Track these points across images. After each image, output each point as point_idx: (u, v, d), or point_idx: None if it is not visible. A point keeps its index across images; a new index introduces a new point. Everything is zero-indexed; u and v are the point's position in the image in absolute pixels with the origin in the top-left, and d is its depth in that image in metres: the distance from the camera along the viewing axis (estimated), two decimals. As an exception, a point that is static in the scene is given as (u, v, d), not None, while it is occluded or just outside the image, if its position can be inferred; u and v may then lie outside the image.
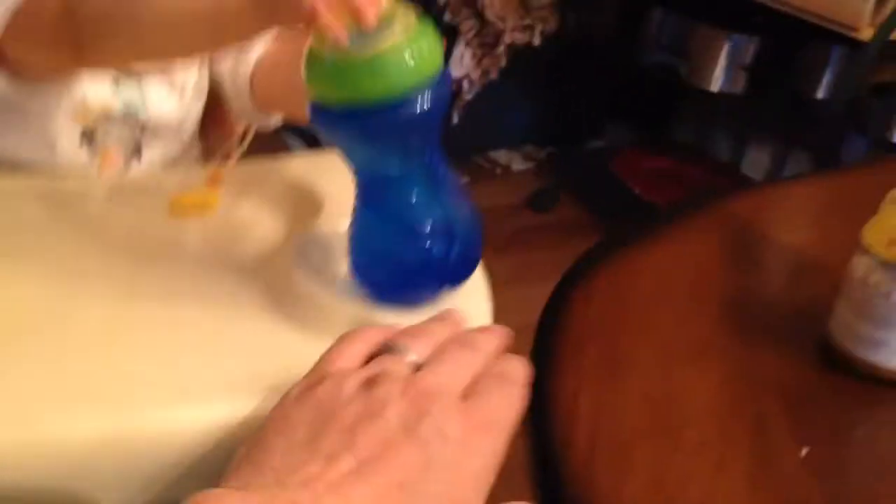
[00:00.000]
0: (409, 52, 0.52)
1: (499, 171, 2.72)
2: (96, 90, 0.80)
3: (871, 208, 0.62)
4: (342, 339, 0.50)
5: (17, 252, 0.65)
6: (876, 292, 0.61)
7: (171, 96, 0.84)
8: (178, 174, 0.78)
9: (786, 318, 0.68)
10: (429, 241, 0.59)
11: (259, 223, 0.72)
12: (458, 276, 0.62)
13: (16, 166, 0.80)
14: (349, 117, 0.54)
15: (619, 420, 0.57)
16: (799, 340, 0.66)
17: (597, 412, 0.58)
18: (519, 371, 0.49)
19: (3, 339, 0.56)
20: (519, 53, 2.57)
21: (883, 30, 1.81)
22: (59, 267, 0.64)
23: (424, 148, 0.58)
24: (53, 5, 0.68)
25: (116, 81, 0.81)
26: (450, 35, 2.50)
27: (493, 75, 2.58)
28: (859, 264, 0.62)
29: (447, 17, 2.45)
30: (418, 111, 0.54)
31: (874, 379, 0.63)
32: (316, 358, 0.48)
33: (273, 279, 0.64)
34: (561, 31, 2.61)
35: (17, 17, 0.69)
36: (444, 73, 0.55)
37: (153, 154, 0.84)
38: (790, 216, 0.85)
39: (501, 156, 2.79)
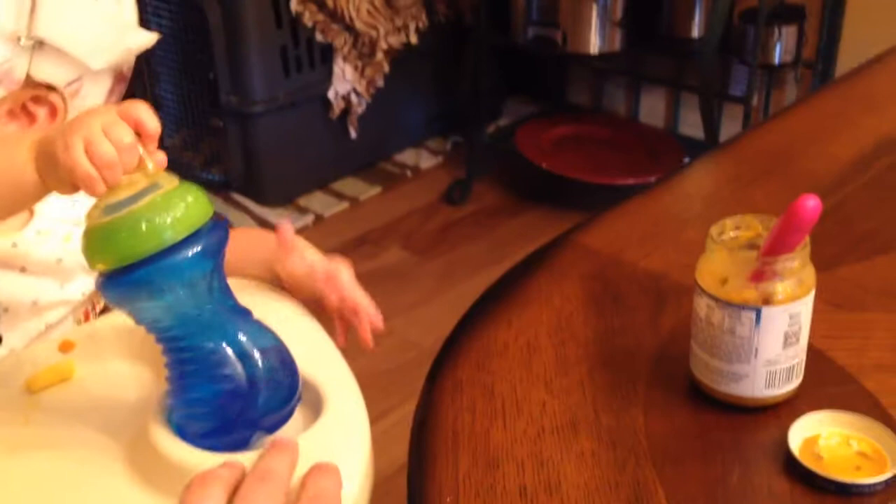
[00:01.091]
0: (144, 221, 0.58)
1: (409, 172, 2.71)
2: None
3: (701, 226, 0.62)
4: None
5: None
6: (720, 330, 0.62)
7: (16, 275, 0.81)
8: (33, 348, 0.77)
9: (652, 362, 0.69)
10: (234, 380, 0.61)
11: (121, 381, 0.72)
12: (275, 405, 0.63)
13: None
14: (113, 280, 0.59)
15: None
16: (667, 384, 0.67)
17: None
18: (331, 489, 0.51)
19: None
20: (399, 55, 2.56)
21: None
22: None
23: (200, 298, 0.61)
24: None
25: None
26: (326, 53, 2.47)
27: (380, 83, 2.56)
28: (700, 304, 0.63)
29: (318, 37, 2.43)
30: (194, 260, 0.59)
31: (743, 410, 0.64)
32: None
33: (139, 445, 0.64)
34: (433, 22, 2.60)
35: None
36: (216, 226, 0.60)
37: (14, 339, 0.82)
38: (646, 239, 0.85)
39: (408, 157, 2.78)
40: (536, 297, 0.77)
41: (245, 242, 0.84)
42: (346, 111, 2.56)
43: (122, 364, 0.74)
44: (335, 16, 2.43)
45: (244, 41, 2.36)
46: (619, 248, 0.83)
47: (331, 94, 2.50)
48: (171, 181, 0.60)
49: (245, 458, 0.59)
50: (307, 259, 0.82)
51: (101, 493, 0.62)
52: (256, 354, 0.62)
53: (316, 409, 0.66)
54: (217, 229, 0.61)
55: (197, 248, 0.59)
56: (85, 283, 0.85)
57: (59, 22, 0.78)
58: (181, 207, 0.59)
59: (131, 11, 0.85)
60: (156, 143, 0.62)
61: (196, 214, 0.59)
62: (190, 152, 2.59)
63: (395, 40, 2.54)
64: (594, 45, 2.31)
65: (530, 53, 2.54)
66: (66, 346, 0.74)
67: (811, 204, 0.59)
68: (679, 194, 0.97)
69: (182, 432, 0.63)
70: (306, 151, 2.55)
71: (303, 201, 2.55)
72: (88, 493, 0.63)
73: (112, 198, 0.59)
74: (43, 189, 0.64)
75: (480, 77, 2.53)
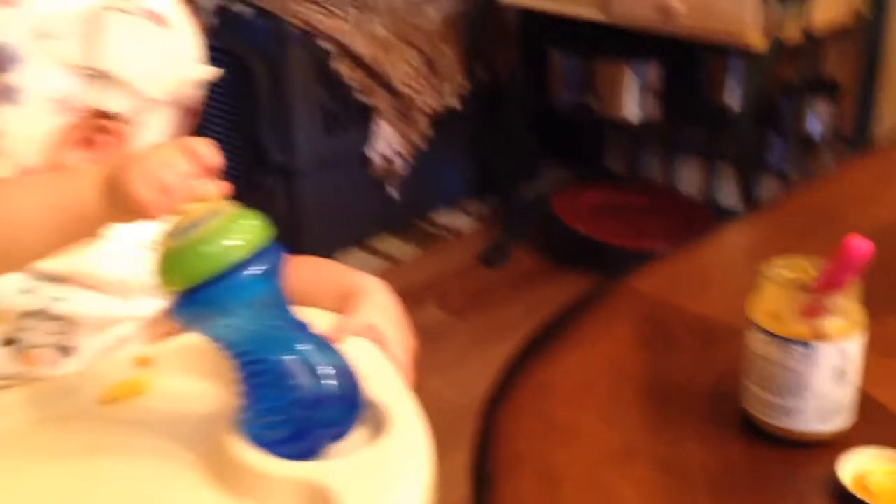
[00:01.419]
0: (208, 244, 0.62)
1: (446, 233, 2.76)
2: (11, 294, 0.82)
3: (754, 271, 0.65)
4: None
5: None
6: (773, 364, 0.65)
7: (85, 292, 0.86)
8: (110, 363, 0.81)
9: (704, 398, 0.72)
10: (310, 384, 0.65)
11: (194, 395, 0.75)
12: (340, 414, 0.67)
13: None
14: (183, 302, 0.63)
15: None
16: (719, 419, 0.69)
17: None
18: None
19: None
20: (439, 116, 2.62)
21: (775, 37, 1.88)
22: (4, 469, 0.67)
23: (264, 315, 0.65)
24: None
25: (21, 280, 0.83)
26: (367, 114, 2.54)
27: (420, 144, 2.62)
28: (753, 339, 0.66)
29: (360, 97, 2.50)
30: (255, 280, 0.63)
31: (793, 444, 0.66)
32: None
33: (212, 454, 0.67)
34: (473, 86, 2.67)
35: None
36: (271, 249, 0.64)
37: (86, 351, 0.86)
38: (694, 287, 0.88)
39: (446, 217, 2.82)
40: (590, 334, 0.80)
41: (315, 274, 0.88)
42: (387, 171, 2.62)
43: (194, 381, 0.77)
44: (377, 78, 2.50)
45: (288, 99, 2.43)
46: (668, 292, 0.86)
47: (372, 154, 2.56)
48: (231, 207, 0.65)
49: (314, 466, 0.63)
50: (366, 318, 0.84)
51: (177, 498, 0.66)
52: (320, 366, 0.66)
53: (379, 428, 0.69)
54: (275, 250, 0.65)
55: (259, 268, 0.63)
56: (150, 301, 0.89)
57: (120, 53, 0.83)
58: (242, 230, 0.63)
59: (190, 45, 0.90)
60: (215, 175, 0.67)
61: (256, 236, 0.64)
62: (232, 207, 2.64)
63: (436, 103, 2.61)
64: (630, 112, 2.37)
65: (566, 118, 2.60)
66: (142, 362, 0.78)
67: (862, 243, 0.62)
68: (724, 246, 1.00)
69: (255, 442, 0.66)
70: (346, 209, 2.60)
71: (341, 258, 2.60)
72: (164, 499, 0.66)
73: (178, 225, 0.64)
74: (107, 218, 0.69)
75: (517, 141, 2.59)
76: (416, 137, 2.60)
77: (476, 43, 2.66)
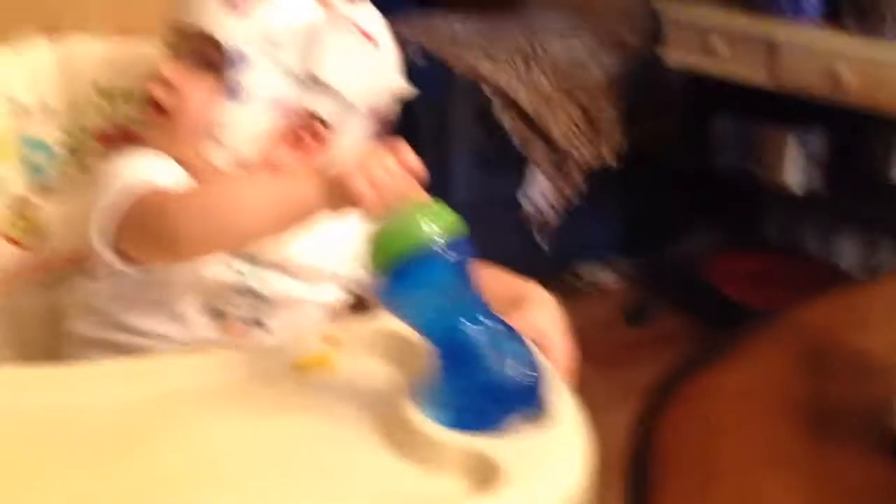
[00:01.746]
0: (411, 229, 0.70)
1: (590, 287, 2.78)
2: (217, 271, 0.91)
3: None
4: None
5: (164, 415, 0.76)
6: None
7: (281, 275, 0.95)
8: (301, 338, 0.88)
9: (857, 420, 0.73)
10: (498, 366, 0.71)
11: (376, 373, 0.82)
12: (523, 393, 0.72)
13: (152, 341, 0.91)
14: (388, 283, 0.70)
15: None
16: (870, 440, 0.70)
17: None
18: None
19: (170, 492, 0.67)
20: (594, 171, 2.65)
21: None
22: (199, 428, 0.75)
23: (458, 298, 0.72)
24: (153, 207, 0.82)
25: (234, 262, 0.92)
26: (523, 162, 2.59)
27: (573, 197, 2.66)
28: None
29: (518, 146, 2.56)
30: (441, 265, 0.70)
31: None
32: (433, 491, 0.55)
33: (389, 422, 0.73)
34: (630, 144, 2.69)
35: (126, 221, 0.83)
36: (457, 243, 0.71)
37: (277, 327, 0.95)
38: (854, 322, 0.90)
39: (591, 272, 2.84)
40: (751, 356, 0.82)
41: (488, 277, 0.94)
42: (537, 221, 2.66)
43: (374, 361, 0.84)
44: (536, 128, 2.56)
45: (448, 142, 2.52)
46: (828, 326, 0.88)
47: (525, 202, 2.61)
48: (431, 202, 0.73)
49: (484, 440, 0.68)
50: (536, 322, 0.90)
51: (356, 458, 0.71)
52: (507, 348, 0.71)
53: (542, 419, 0.73)
54: (468, 242, 0.72)
55: (454, 254, 0.70)
56: (333, 288, 0.99)
57: (334, 64, 0.92)
58: (441, 219, 0.71)
59: (393, 62, 0.99)
60: (415, 177, 0.76)
61: (452, 226, 0.71)
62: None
63: (592, 158, 2.65)
64: (792, 180, 2.34)
65: (723, 182, 2.59)
66: (329, 340, 0.85)
67: None
68: (885, 290, 0.99)
69: (432, 415, 0.71)
70: (494, 255, 2.64)
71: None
72: (345, 457, 0.72)
73: (385, 215, 0.72)
74: (322, 210, 0.78)
75: (671, 201, 2.60)
76: (569, 191, 2.64)
77: (637, 102, 2.69)
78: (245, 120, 0.91)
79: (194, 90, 0.90)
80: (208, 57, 0.90)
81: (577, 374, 0.87)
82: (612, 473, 0.76)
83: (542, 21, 2.84)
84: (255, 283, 0.93)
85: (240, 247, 0.89)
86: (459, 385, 0.72)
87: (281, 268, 0.94)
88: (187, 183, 0.90)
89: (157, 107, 0.91)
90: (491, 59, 2.52)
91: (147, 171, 0.88)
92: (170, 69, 0.91)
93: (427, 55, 2.54)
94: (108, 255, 0.86)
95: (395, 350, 0.83)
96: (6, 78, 1.00)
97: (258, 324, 0.94)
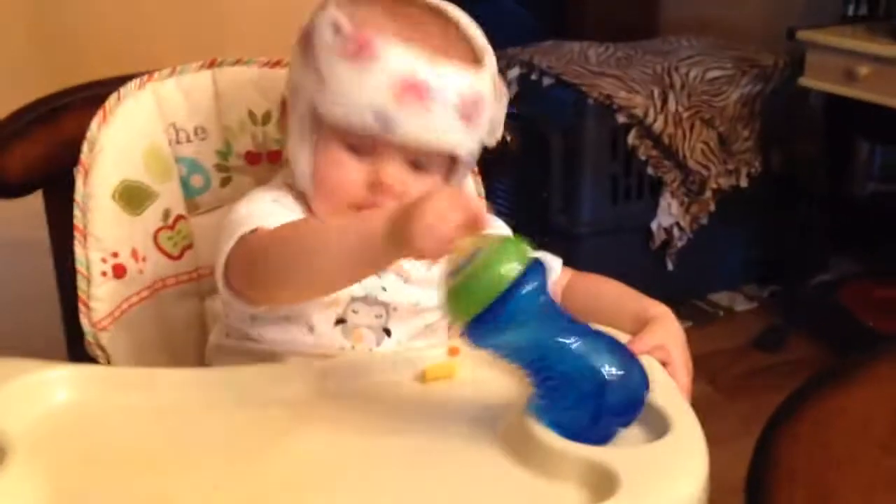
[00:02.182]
0: (483, 274, 0.70)
1: (721, 313, 2.74)
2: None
3: None
4: None
5: (291, 419, 0.81)
6: None
7: (402, 283, 0.99)
8: (425, 348, 0.93)
9: None
10: (596, 387, 0.73)
11: (495, 384, 0.85)
12: (627, 404, 0.74)
13: (283, 351, 0.96)
14: (473, 329, 0.72)
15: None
16: None
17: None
18: None
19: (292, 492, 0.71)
20: (727, 196, 2.62)
21: None
22: (325, 432, 0.79)
23: (543, 324, 0.73)
24: (259, 251, 0.87)
25: None
26: (655, 187, 2.59)
27: (703, 220, 2.63)
28: None
29: (649, 170, 2.56)
30: (524, 301, 0.71)
31: None
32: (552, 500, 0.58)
33: (510, 432, 0.77)
34: (766, 169, 2.65)
35: (233, 262, 0.89)
36: (533, 270, 0.72)
37: (400, 333, 0.99)
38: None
39: (722, 298, 2.80)
40: (877, 378, 0.82)
41: (617, 296, 0.97)
42: (667, 244, 2.65)
43: (494, 372, 0.87)
44: (669, 153, 2.56)
45: (579, 166, 2.54)
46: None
47: (654, 226, 2.60)
48: (495, 237, 0.73)
49: (603, 451, 0.70)
50: (658, 339, 0.92)
51: (477, 468, 0.75)
52: (603, 362, 0.73)
53: (661, 432, 0.75)
54: (539, 266, 0.73)
55: (531, 285, 0.71)
56: None
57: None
58: (510, 253, 0.72)
59: (501, 113, 0.99)
60: (480, 223, 0.74)
61: (522, 256, 0.72)
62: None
63: (725, 182, 2.62)
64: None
65: (867, 209, 2.52)
66: (452, 351, 0.89)
67: None
68: None
69: (548, 426, 0.74)
70: (622, 278, 2.64)
71: (614, 324, 2.64)
72: (466, 466, 0.75)
73: (454, 263, 0.73)
74: (391, 259, 0.80)
75: (808, 228, 2.54)
76: (699, 212, 2.62)
77: (776, 126, 2.65)
78: None
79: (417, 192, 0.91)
80: (423, 159, 0.94)
81: (691, 391, 0.89)
82: (735, 500, 0.77)
83: (678, 47, 2.84)
84: (381, 293, 0.97)
85: (322, 292, 0.90)
86: (565, 404, 0.74)
87: (403, 276, 0.99)
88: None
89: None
90: (625, 85, 2.53)
91: (262, 214, 0.92)
92: (395, 177, 0.92)
93: (560, 82, 2.58)
94: (227, 295, 0.92)
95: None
96: (170, 106, 1.09)
97: (384, 331, 0.98)
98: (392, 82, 0.87)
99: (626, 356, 0.75)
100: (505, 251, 0.72)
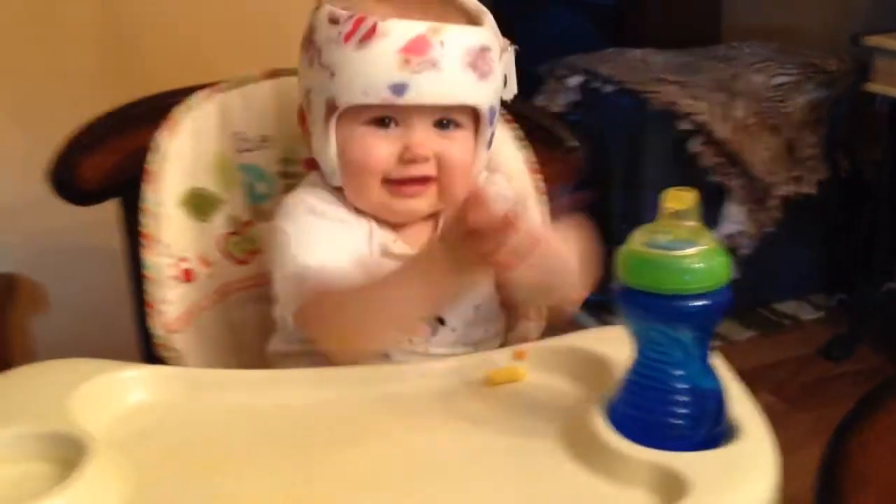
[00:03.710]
0: (703, 264, 0.70)
1: (787, 322, 2.70)
2: None
3: None
4: None
5: (363, 420, 0.82)
6: None
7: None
8: (491, 353, 0.93)
9: None
10: (680, 411, 0.73)
11: (561, 389, 0.86)
12: (699, 445, 0.73)
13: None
14: (647, 300, 0.71)
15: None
16: None
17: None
18: None
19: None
20: (792, 203, 2.59)
21: None
22: (397, 433, 0.80)
23: (695, 338, 0.73)
24: (325, 304, 0.88)
25: None
26: (719, 194, 2.56)
27: (769, 228, 2.60)
28: None
29: (714, 177, 2.53)
30: (697, 310, 0.71)
31: None
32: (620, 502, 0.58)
33: (577, 435, 0.77)
34: (832, 176, 2.61)
35: (303, 310, 0.91)
36: (726, 289, 0.71)
37: (454, 321, 0.99)
38: None
39: (788, 307, 2.76)
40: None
41: None
42: (731, 252, 2.61)
43: (561, 377, 0.88)
44: (733, 160, 2.53)
45: (641, 175, 2.53)
46: None
47: (717, 233, 2.58)
48: (709, 239, 0.72)
49: (671, 455, 0.70)
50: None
51: (545, 469, 0.75)
52: (701, 390, 0.73)
53: (730, 436, 0.75)
54: (726, 293, 0.72)
55: (707, 302, 0.71)
56: None
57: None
58: (713, 264, 0.71)
59: None
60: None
61: (720, 275, 0.71)
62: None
63: (791, 189, 2.58)
64: None
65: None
66: (519, 355, 0.89)
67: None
68: None
69: (619, 427, 0.74)
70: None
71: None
72: (534, 467, 0.76)
73: (659, 234, 0.72)
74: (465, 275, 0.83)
75: (877, 236, 2.49)
76: (764, 220, 2.59)
77: (842, 132, 2.61)
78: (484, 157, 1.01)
79: (458, 151, 0.96)
80: (452, 120, 0.96)
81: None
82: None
83: (741, 54, 2.81)
84: None
85: (409, 331, 0.95)
86: (643, 407, 0.74)
87: None
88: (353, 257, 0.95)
89: (422, 180, 0.96)
90: (688, 92, 2.51)
91: (308, 243, 0.94)
92: (422, 144, 0.94)
93: (622, 89, 2.57)
94: (291, 325, 0.95)
95: (583, 367, 0.87)
96: (234, 115, 1.11)
97: (438, 320, 0.98)
98: (397, 49, 0.90)
99: (720, 397, 0.75)
100: (713, 257, 0.71)
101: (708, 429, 0.74)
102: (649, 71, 2.67)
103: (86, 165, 1.13)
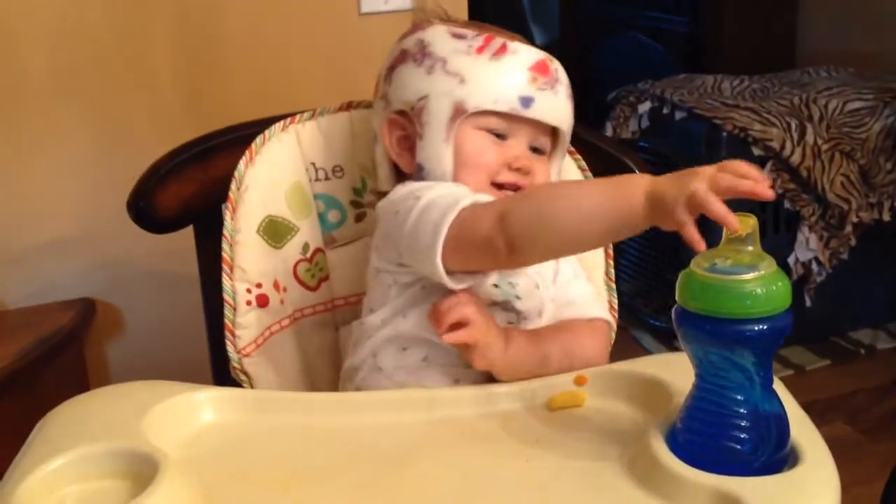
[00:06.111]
0: (763, 289, 0.70)
1: (862, 351, 2.64)
2: (487, 287, 0.98)
3: None
4: None
5: (427, 442, 0.84)
6: None
7: (534, 289, 1.02)
8: (553, 378, 0.94)
9: None
10: (741, 436, 0.73)
11: (622, 413, 0.87)
12: (760, 470, 0.73)
13: (419, 341, 0.99)
14: (707, 325, 0.72)
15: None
16: None
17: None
18: None
19: None
20: (868, 229, 2.54)
21: None
22: (459, 456, 0.82)
23: (755, 363, 0.73)
24: (488, 219, 0.88)
25: (499, 281, 1.00)
26: (792, 221, 2.53)
27: (844, 255, 2.56)
28: None
29: (787, 204, 2.50)
30: (757, 334, 0.71)
31: None
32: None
33: (638, 459, 0.77)
34: (910, 203, 2.56)
35: (457, 233, 0.90)
36: (786, 314, 0.72)
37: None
38: None
39: (864, 335, 2.71)
40: None
41: None
42: (805, 279, 2.58)
43: (620, 401, 0.89)
44: (808, 186, 2.49)
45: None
46: None
47: (791, 260, 2.54)
48: (770, 264, 0.72)
49: (732, 479, 0.71)
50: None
51: (605, 490, 0.76)
52: (762, 415, 0.73)
53: (793, 461, 0.75)
54: (787, 318, 0.72)
55: (767, 326, 0.71)
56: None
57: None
58: (774, 289, 0.71)
59: None
60: (758, 194, 0.75)
61: (780, 299, 0.72)
62: (642, 299, 2.76)
63: (867, 215, 2.54)
64: None
65: None
66: (580, 380, 0.91)
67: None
68: None
69: (679, 451, 0.75)
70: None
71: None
72: (595, 488, 0.77)
73: (719, 259, 0.73)
74: (645, 226, 0.81)
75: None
76: (839, 247, 2.55)
77: (917, 157, 2.56)
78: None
79: (542, 174, 1.04)
80: (540, 143, 1.05)
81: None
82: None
83: (816, 79, 2.78)
84: (517, 301, 1.00)
85: (569, 253, 1.00)
86: (701, 432, 0.74)
87: (535, 282, 1.02)
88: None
89: (514, 188, 1.02)
90: (761, 118, 2.49)
91: (456, 191, 0.96)
92: (527, 158, 1.03)
93: (693, 115, 2.55)
94: (439, 272, 0.91)
95: (643, 392, 0.88)
96: (310, 146, 1.16)
97: None
98: (525, 68, 1.01)
99: (782, 423, 0.75)
100: (774, 282, 0.71)
101: (769, 454, 0.74)
102: (721, 96, 2.66)
103: (165, 195, 1.18)
